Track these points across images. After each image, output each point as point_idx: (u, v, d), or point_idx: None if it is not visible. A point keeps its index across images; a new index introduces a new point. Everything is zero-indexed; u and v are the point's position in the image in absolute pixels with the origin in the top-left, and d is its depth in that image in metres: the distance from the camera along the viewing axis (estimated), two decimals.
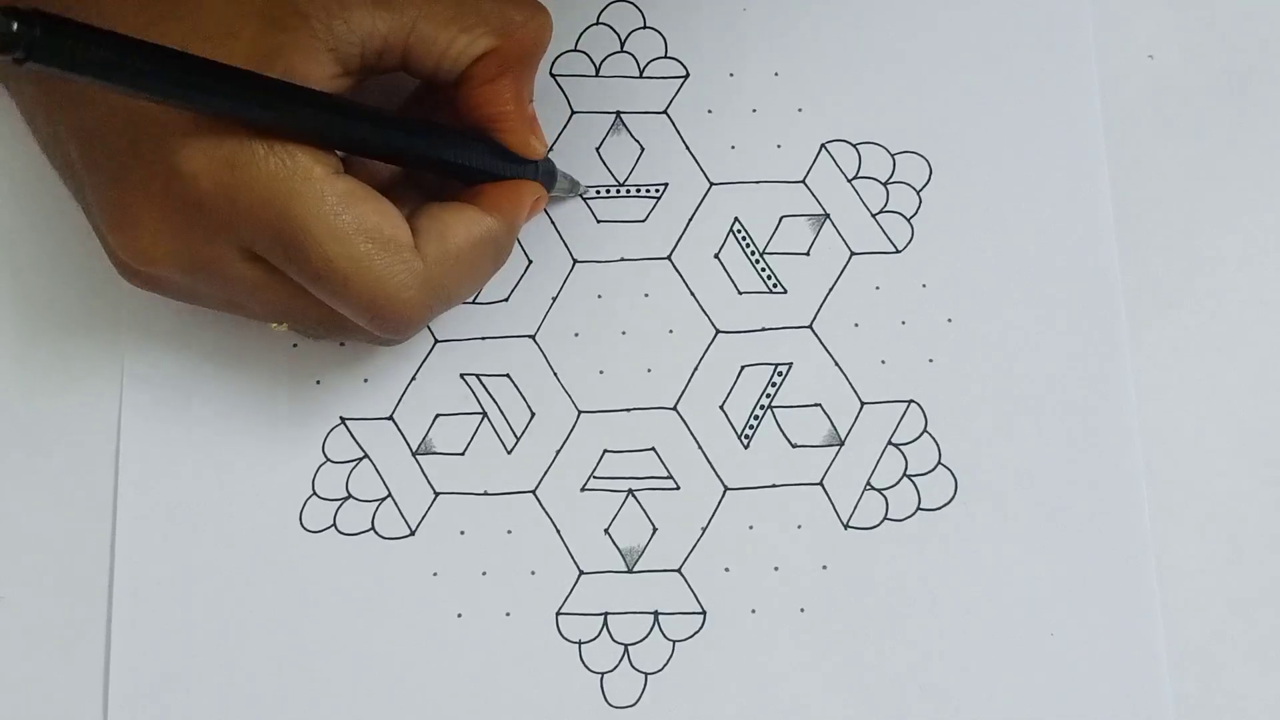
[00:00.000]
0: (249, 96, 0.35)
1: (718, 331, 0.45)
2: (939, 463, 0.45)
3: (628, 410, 0.45)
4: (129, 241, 0.38)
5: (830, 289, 0.46)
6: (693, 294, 0.46)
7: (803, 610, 0.43)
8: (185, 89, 0.34)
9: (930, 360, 0.45)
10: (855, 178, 0.46)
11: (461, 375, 0.45)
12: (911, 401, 0.45)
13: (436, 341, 0.45)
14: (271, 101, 0.36)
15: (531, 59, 0.41)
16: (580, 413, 0.45)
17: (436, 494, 0.44)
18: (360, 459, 0.44)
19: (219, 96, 0.35)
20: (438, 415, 0.45)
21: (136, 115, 0.37)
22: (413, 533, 0.44)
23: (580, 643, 0.43)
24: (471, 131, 0.41)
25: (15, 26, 0.29)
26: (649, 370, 0.45)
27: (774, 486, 0.44)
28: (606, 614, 0.43)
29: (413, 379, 0.45)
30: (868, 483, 0.44)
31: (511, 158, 0.42)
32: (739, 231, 0.46)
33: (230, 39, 0.36)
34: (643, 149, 0.46)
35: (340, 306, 0.38)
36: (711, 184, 0.46)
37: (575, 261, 0.46)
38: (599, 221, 0.46)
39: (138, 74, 0.33)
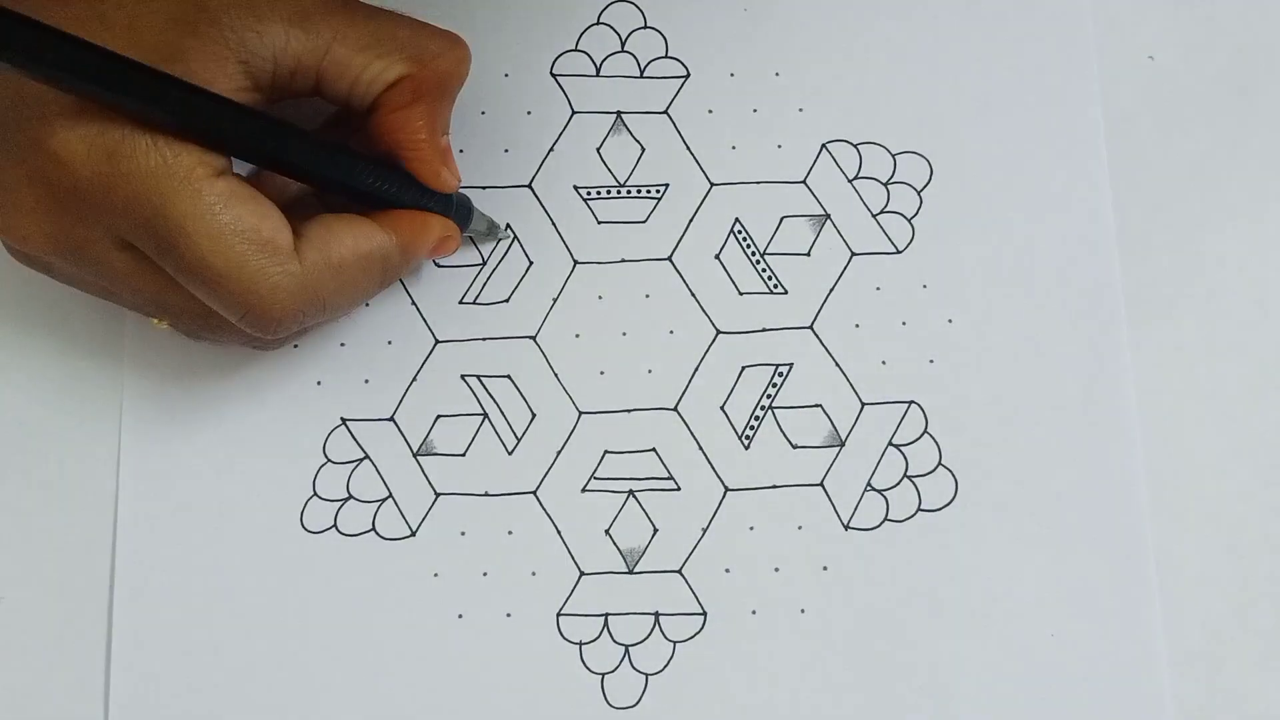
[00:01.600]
0: (135, 88, 0.35)
1: (718, 332, 0.45)
2: (939, 463, 0.45)
3: (628, 411, 0.45)
4: (3, 218, 0.38)
5: (831, 289, 0.46)
6: (693, 294, 0.46)
7: (803, 611, 0.44)
8: (69, 71, 0.34)
9: (931, 361, 0.45)
10: (856, 178, 0.46)
11: (462, 376, 0.45)
12: (912, 402, 0.45)
13: (437, 342, 0.45)
14: (158, 95, 0.35)
15: (446, 89, 0.41)
16: (581, 413, 0.45)
17: (437, 495, 0.44)
18: (361, 460, 0.44)
19: (101, 84, 0.34)
20: (439, 416, 0.45)
21: (22, 92, 0.36)
22: (413, 533, 0.44)
23: (581, 643, 0.43)
24: (384, 160, 0.41)
25: None
26: (650, 371, 0.45)
27: (774, 487, 0.44)
28: (607, 615, 0.43)
29: (414, 380, 0.45)
30: (868, 483, 0.44)
31: (424, 191, 0.41)
32: (739, 232, 0.46)
33: (130, 31, 0.36)
34: (643, 149, 0.46)
35: (212, 303, 0.37)
36: (712, 184, 0.46)
37: (576, 262, 0.46)
38: (600, 222, 0.46)
39: (22, 51, 0.33)
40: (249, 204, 0.37)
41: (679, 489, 0.44)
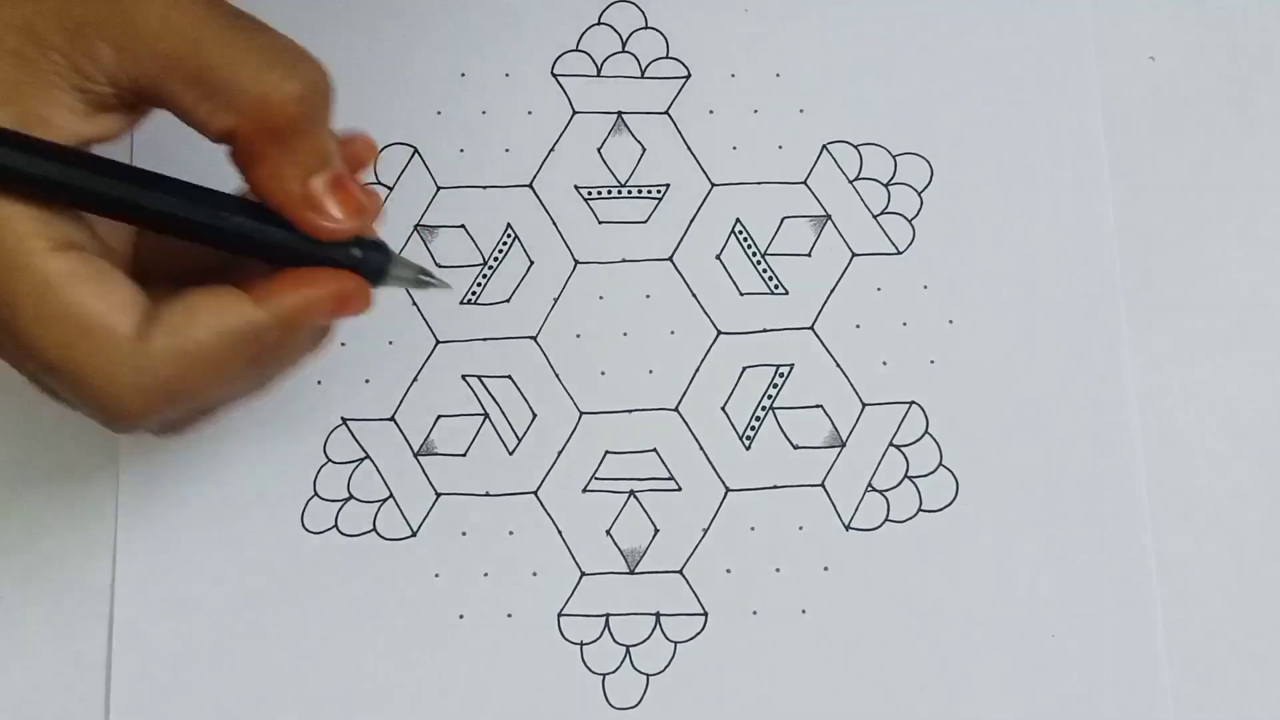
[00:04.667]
0: None
1: (719, 332, 0.45)
2: (940, 464, 0.45)
3: (629, 411, 0.45)
4: None
5: (832, 290, 0.46)
6: (694, 295, 0.46)
7: (804, 611, 0.44)
8: None
9: (931, 361, 0.45)
10: (856, 179, 0.47)
11: (463, 376, 0.45)
12: (913, 403, 0.45)
13: (438, 342, 0.45)
14: None
15: (292, 132, 0.34)
16: (582, 414, 0.45)
17: (438, 495, 0.44)
18: (362, 460, 0.44)
19: None
20: (439, 416, 0.45)
21: None
22: (414, 534, 0.44)
23: (582, 644, 0.43)
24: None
25: None
26: (650, 371, 0.45)
27: (775, 488, 0.44)
28: (608, 615, 0.43)
29: (414, 380, 0.45)
30: (869, 484, 0.44)
31: (316, 242, 0.35)
32: (740, 232, 0.46)
33: None
34: (644, 149, 0.46)
35: (55, 389, 0.34)
36: (713, 185, 0.46)
37: (577, 262, 0.46)
38: (600, 222, 0.46)
39: None
40: (91, 284, 0.33)
41: (680, 489, 0.44)
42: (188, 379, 0.34)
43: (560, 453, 0.44)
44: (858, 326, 0.45)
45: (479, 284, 0.45)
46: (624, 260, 0.46)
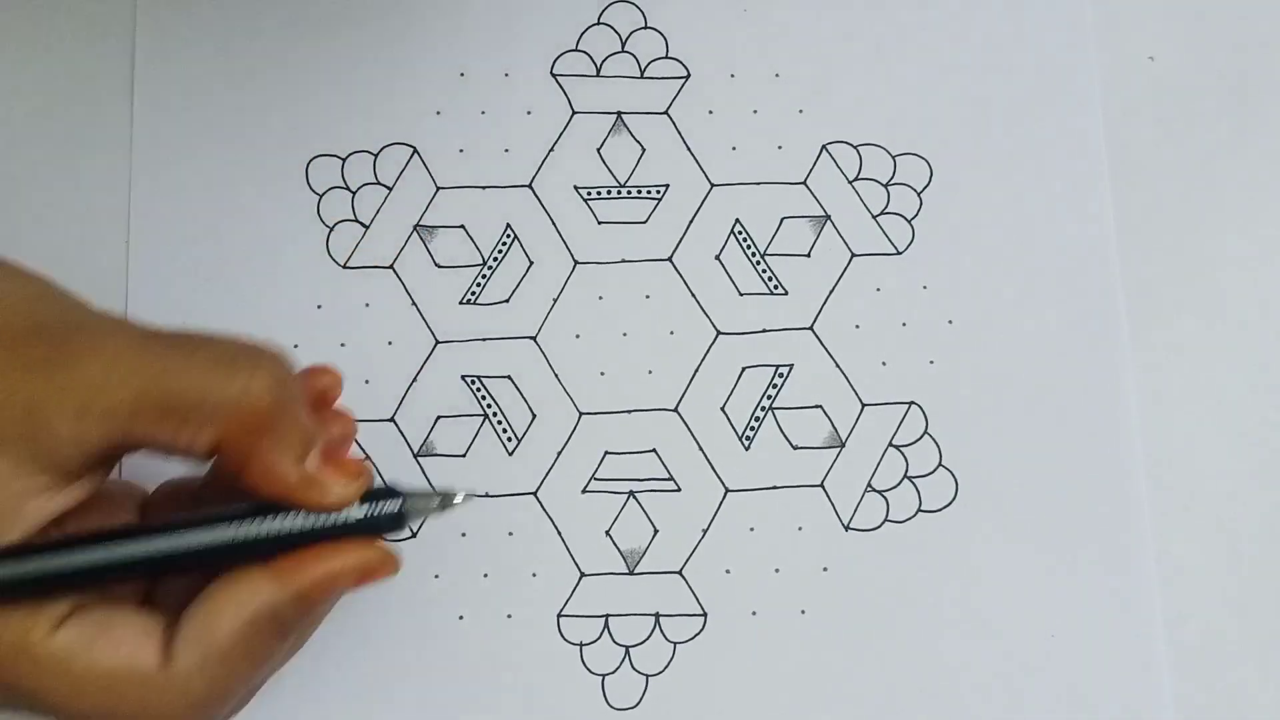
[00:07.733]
0: None
1: (719, 333, 0.45)
2: (939, 464, 0.45)
3: (629, 412, 0.45)
4: None
5: (831, 290, 0.46)
6: (694, 295, 0.46)
7: (803, 612, 0.44)
8: None
9: (931, 362, 0.45)
10: (856, 179, 0.47)
11: (463, 377, 0.45)
12: (912, 403, 0.45)
13: (438, 343, 0.45)
14: None
15: (272, 426, 0.34)
16: (581, 414, 0.45)
17: None
18: (361, 461, 0.44)
19: None
20: (439, 417, 0.44)
21: None
22: (414, 535, 0.44)
23: (581, 644, 0.43)
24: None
25: None
26: (650, 371, 0.45)
27: (775, 488, 0.44)
28: (607, 616, 0.43)
29: (414, 381, 0.45)
30: (868, 484, 0.44)
31: (329, 518, 0.35)
32: (740, 233, 0.46)
33: None
34: (644, 150, 0.46)
35: None
36: (712, 185, 0.46)
37: (576, 263, 0.46)
38: (600, 223, 0.46)
39: None
40: (100, 641, 0.33)
41: (679, 490, 0.44)
42: (223, 679, 0.34)
43: (560, 453, 0.44)
44: (857, 327, 0.45)
45: (478, 284, 0.45)
46: (623, 260, 0.46)
